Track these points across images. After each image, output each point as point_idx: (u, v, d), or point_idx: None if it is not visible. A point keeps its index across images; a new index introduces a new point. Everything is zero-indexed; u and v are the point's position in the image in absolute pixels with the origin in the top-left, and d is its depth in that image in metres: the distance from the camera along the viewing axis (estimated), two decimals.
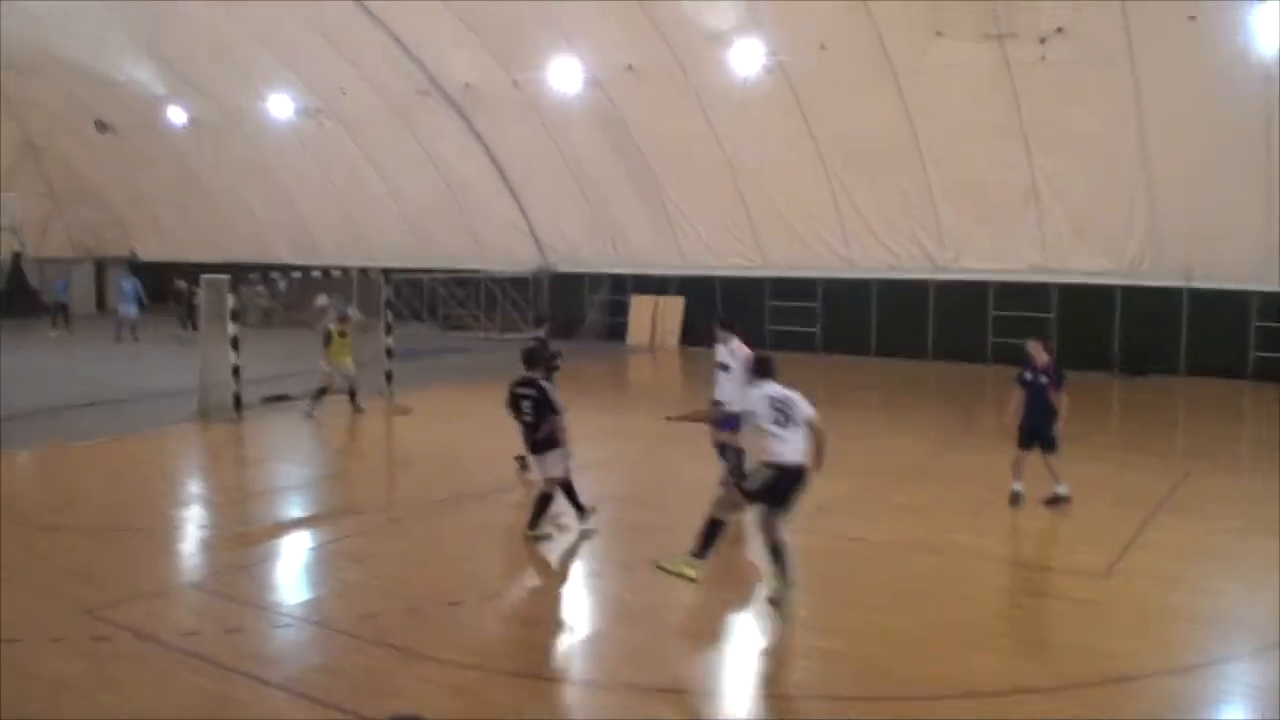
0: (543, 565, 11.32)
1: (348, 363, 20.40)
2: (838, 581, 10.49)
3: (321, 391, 20.21)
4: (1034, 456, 12.96)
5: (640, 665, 8.47)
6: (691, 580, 9.72)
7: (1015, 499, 13.11)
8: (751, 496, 9.55)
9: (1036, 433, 12.96)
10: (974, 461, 16.67)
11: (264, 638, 9.09)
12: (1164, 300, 24.77)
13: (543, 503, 11.92)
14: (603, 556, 11.49)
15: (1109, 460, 16.58)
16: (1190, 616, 9.51)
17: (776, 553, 9.44)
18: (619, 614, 9.74)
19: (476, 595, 9.96)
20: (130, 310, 33.69)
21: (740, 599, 10.25)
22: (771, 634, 9.19)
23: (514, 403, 11.92)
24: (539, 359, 12.32)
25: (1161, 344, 24.92)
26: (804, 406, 9.46)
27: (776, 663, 8.56)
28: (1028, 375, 13.10)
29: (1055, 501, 12.91)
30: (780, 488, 9.30)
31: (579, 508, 12.23)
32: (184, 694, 7.91)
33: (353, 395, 20.59)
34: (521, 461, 14.28)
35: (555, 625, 9.73)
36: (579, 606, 10.21)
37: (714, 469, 12.89)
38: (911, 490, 14.39)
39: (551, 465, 11.94)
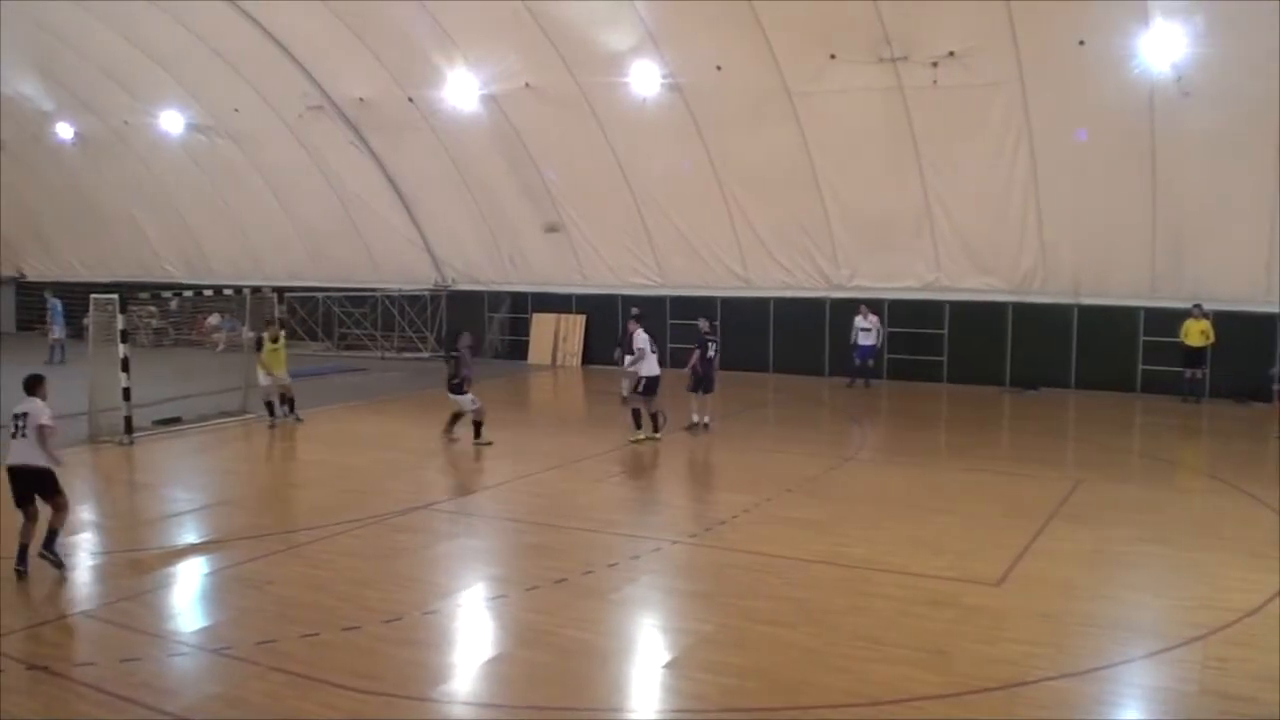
0: (442, 588, 11.17)
1: (282, 372, 20.90)
2: (739, 595, 10.51)
3: (270, 405, 20.79)
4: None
5: (544, 686, 8.39)
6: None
7: None
8: None
9: None
10: (867, 475, 16.95)
11: (160, 666, 8.82)
12: (1055, 317, 25.41)
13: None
14: (504, 578, 11.38)
15: (1001, 471, 16.95)
16: (1084, 622, 9.70)
17: None
18: (521, 635, 9.63)
19: (375, 619, 9.77)
20: (58, 331, 32.80)
21: (644, 616, 10.26)
22: (675, 649, 9.18)
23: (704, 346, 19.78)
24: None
25: (1052, 359, 25.55)
26: None
27: (681, 678, 8.53)
28: None
29: None
30: None
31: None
32: None
33: (290, 405, 21.10)
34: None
35: (456, 648, 9.59)
36: (481, 629, 10.07)
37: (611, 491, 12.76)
38: (806, 504, 14.52)
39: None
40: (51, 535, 11.46)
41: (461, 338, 19.67)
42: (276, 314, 21.95)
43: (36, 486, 11.40)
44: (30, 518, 11.37)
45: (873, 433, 21.25)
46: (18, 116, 37.49)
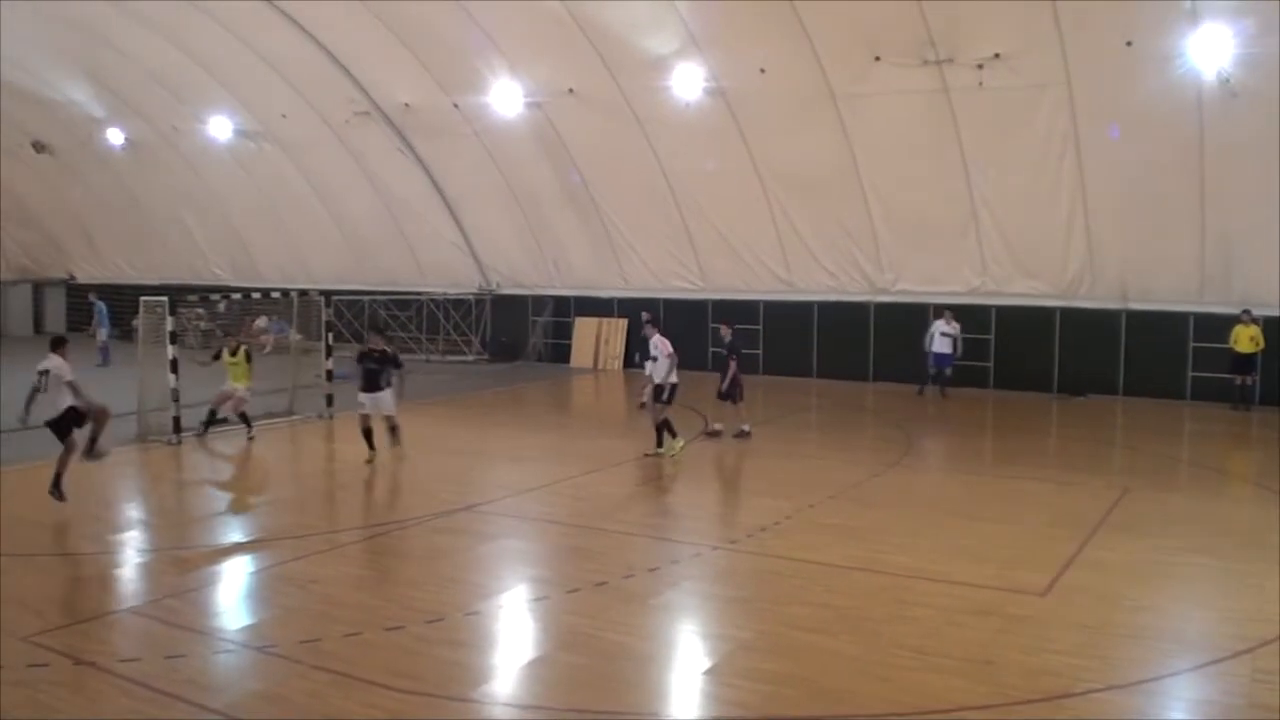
0: (484, 589, 11.19)
1: (233, 385, 19.81)
2: (780, 602, 10.48)
3: (243, 416, 19.98)
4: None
5: (584, 689, 8.40)
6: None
7: None
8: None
9: None
10: (910, 482, 16.82)
11: (204, 663, 8.91)
12: (1102, 322, 25.13)
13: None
14: (545, 580, 11.41)
15: (1048, 479, 16.78)
16: (1130, 633, 9.58)
17: None
18: (562, 638, 9.64)
19: (418, 620, 9.82)
20: (104, 333, 33.16)
21: (684, 622, 10.25)
22: (715, 655, 9.16)
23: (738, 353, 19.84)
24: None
25: (1099, 365, 25.27)
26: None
27: (721, 684, 8.51)
28: None
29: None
30: None
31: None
32: None
33: (210, 416, 19.93)
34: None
35: (498, 650, 9.62)
36: (522, 631, 10.10)
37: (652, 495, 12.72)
38: (849, 511, 14.43)
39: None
40: (93, 441, 13.78)
41: (372, 339, 18.46)
42: (324, 321, 21.66)
43: (71, 422, 13.49)
44: (69, 448, 13.60)
45: (918, 439, 21.10)
46: (68, 122, 38.07)
